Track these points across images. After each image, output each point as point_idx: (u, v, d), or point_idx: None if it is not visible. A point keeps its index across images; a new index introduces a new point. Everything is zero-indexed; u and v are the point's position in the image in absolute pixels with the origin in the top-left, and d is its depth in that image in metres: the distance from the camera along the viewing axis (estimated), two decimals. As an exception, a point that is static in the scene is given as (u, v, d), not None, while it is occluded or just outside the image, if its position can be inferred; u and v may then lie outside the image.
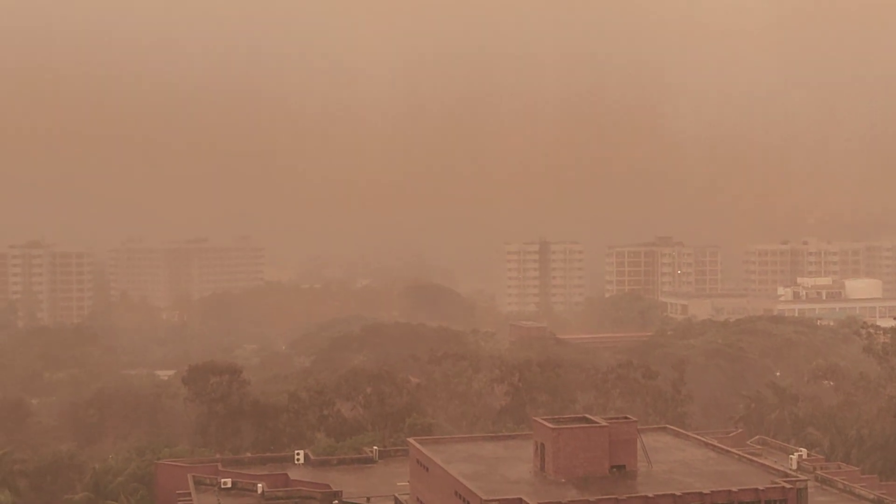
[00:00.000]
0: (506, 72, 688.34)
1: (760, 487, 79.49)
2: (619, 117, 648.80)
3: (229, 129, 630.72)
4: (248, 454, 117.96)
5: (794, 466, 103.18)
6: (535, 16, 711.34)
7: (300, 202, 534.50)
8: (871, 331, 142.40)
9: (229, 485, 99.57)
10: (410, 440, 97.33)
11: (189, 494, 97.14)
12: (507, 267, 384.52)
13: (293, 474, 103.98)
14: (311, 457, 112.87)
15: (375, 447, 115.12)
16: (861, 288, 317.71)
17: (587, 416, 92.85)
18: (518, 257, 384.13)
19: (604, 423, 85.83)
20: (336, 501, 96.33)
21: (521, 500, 76.62)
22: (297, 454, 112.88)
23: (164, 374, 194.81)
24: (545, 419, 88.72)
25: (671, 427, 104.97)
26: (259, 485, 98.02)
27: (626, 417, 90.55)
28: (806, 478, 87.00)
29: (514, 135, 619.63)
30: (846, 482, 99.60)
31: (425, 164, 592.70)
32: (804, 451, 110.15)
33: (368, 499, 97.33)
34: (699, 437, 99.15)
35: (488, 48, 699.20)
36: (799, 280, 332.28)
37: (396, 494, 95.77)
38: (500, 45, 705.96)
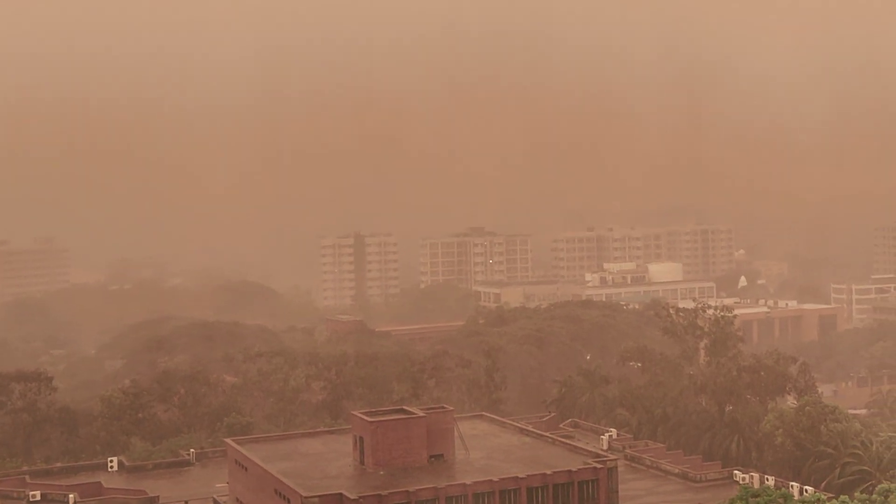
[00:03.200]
0: (309, 71, 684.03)
1: (573, 469, 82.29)
2: (425, 112, 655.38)
3: (29, 130, 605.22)
4: (59, 464, 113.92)
5: (605, 446, 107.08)
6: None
7: (105, 202, 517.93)
8: (671, 312, 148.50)
9: (38, 497, 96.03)
10: (228, 440, 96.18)
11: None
12: (322, 262, 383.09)
13: (107, 482, 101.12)
14: (126, 463, 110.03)
15: (192, 449, 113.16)
16: (663, 271, 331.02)
17: (404, 407, 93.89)
18: (333, 251, 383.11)
19: (421, 414, 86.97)
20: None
21: (341, 494, 76.88)
22: (111, 461, 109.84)
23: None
24: (363, 413, 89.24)
25: (487, 414, 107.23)
26: (70, 495, 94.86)
27: (442, 407, 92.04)
28: (616, 457, 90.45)
29: (324, 129, 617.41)
30: (653, 459, 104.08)
31: (235, 160, 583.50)
32: (614, 432, 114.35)
33: (187, 502, 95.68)
34: (514, 423, 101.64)
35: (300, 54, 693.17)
36: (605, 265, 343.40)
37: (215, 496, 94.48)
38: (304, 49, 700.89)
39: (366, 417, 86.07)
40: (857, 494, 69.80)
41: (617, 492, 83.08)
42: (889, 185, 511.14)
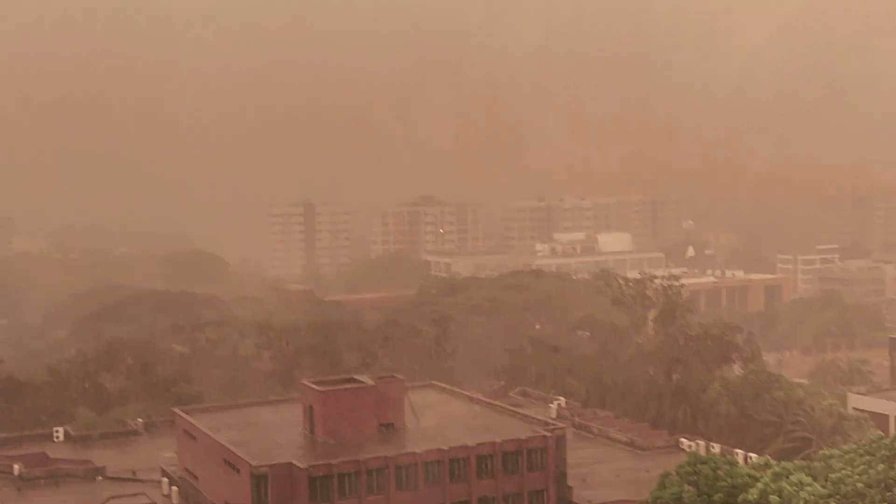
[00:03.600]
0: (264, 38, 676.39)
1: (522, 437, 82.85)
2: (378, 81, 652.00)
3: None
4: (3, 434, 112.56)
5: (554, 415, 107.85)
6: None
7: (49, 168, 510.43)
8: (619, 282, 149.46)
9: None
10: (176, 410, 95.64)
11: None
12: (272, 230, 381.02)
13: (52, 452, 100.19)
14: (72, 433, 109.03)
15: (140, 419, 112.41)
16: (612, 241, 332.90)
17: (354, 376, 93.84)
18: (283, 220, 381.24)
19: (371, 383, 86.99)
20: (99, 477, 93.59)
21: (291, 464, 76.80)
22: (57, 431, 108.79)
23: None
24: (313, 382, 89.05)
25: (437, 383, 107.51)
26: (15, 466, 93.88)
27: (392, 376, 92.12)
28: (564, 425, 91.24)
29: (273, 97, 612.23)
30: (601, 427, 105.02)
31: (184, 127, 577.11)
32: (563, 400, 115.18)
33: (134, 472, 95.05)
34: (464, 392, 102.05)
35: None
36: (555, 235, 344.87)
37: (163, 466, 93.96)
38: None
39: (316, 387, 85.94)
40: (795, 461, 70.88)
41: (565, 459, 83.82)
42: (835, 157, 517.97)
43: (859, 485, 66.21)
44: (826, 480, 69.28)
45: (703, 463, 68.79)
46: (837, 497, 66.71)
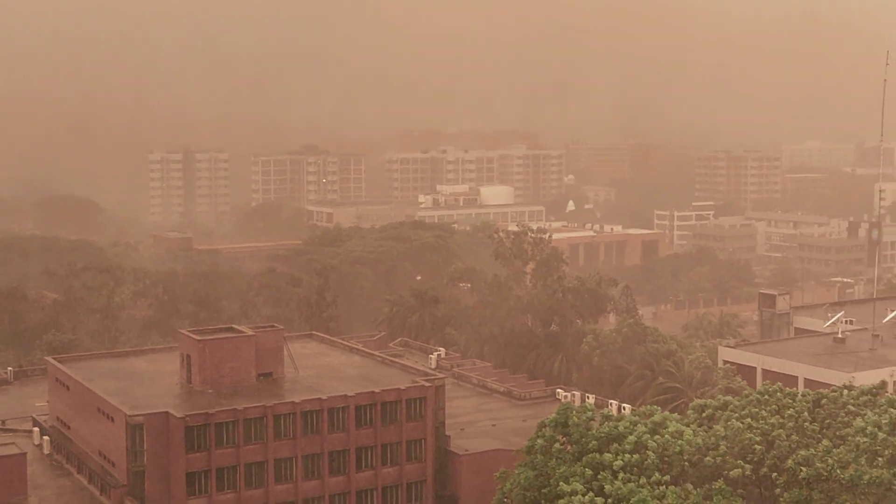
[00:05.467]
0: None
1: (402, 387, 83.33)
2: (258, 23, 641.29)
3: None
4: None
5: (434, 365, 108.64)
6: None
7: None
8: (500, 236, 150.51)
9: None
10: (48, 358, 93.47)
11: None
12: (150, 177, 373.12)
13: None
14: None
15: (10, 367, 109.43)
16: (495, 194, 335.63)
17: (233, 325, 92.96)
18: (161, 166, 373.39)
19: (250, 333, 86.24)
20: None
21: (167, 413, 75.86)
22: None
23: None
24: (190, 331, 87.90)
25: (317, 333, 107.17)
26: None
27: (272, 326, 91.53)
28: (444, 375, 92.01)
29: (153, 39, 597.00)
30: (480, 377, 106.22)
31: (63, 69, 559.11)
32: (442, 351, 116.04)
33: (3, 422, 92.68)
34: (344, 342, 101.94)
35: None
36: (438, 187, 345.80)
37: (34, 415, 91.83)
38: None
39: (193, 335, 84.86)
40: (665, 413, 73.06)
41: (444, 409, 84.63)
42: (701, 119, 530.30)
43: (757, 442, 68.52)
44: (707, 431, 71.59)
45: (575, 413, 70.25)
46: (726, 445, 68.95)
